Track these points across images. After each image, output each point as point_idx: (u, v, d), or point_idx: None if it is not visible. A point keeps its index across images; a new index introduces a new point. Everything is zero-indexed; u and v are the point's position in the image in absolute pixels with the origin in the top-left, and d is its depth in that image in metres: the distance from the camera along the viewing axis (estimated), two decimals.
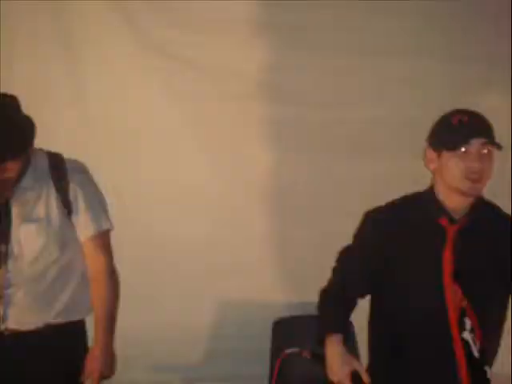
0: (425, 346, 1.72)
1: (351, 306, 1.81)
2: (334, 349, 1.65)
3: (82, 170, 1.98)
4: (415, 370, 1.75)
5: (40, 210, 1.91)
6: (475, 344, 1.70)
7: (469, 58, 3.49)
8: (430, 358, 1.71)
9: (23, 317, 1.94)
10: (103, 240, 1.98)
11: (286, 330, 2.61)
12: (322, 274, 2.09)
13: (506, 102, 4.12)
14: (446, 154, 1.73)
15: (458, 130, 1.74)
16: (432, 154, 1.79)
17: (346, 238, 2.09)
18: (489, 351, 1.75)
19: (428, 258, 1.74)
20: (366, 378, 1.60)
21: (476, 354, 1.70)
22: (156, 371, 2.87)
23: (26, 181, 1.91)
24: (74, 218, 1.92)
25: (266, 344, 2.59)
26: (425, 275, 1.73)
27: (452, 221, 1.75)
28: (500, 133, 3.86)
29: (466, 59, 3.52)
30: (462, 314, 1.71)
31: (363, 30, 3.12)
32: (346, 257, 1.90)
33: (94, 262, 1.97)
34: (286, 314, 2.71)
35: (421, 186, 2.01)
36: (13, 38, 2.90)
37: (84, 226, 1.94)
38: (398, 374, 1.77)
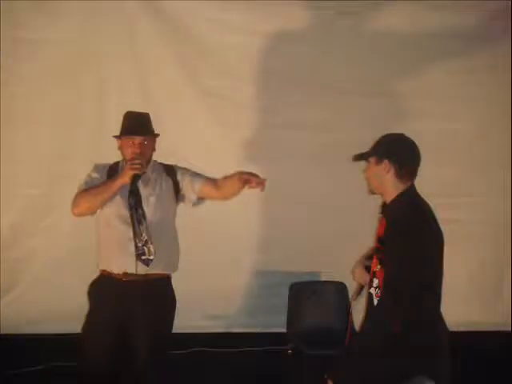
0: None
1: None
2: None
3: (179, 167, 3.02)
4: None
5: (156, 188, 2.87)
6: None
7: (472, 69, 3.68)
8: None
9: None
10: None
11: (299, 291, 3.74)
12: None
13: (506, 101, 4.14)
14: None
15: None
16: None
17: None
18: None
19: None
20: None
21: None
22: (205, 319, 4.16)
23: (148, 170, 2.89)
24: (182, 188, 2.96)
25: (284, 301, 3.73)
26: None
27: None
28: (500, 132, 3.96)
29: (471, 71, 3.72)
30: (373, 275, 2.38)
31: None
32: None
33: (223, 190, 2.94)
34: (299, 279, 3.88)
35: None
36: None
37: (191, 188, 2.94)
38: None
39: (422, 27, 4.02)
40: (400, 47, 4.05)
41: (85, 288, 2.93)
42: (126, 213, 2.81)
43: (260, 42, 4.01)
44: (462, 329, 3.82)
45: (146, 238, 2.75)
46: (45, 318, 3.94)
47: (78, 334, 2.86)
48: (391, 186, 2.36)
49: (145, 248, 2.75)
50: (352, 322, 2.73)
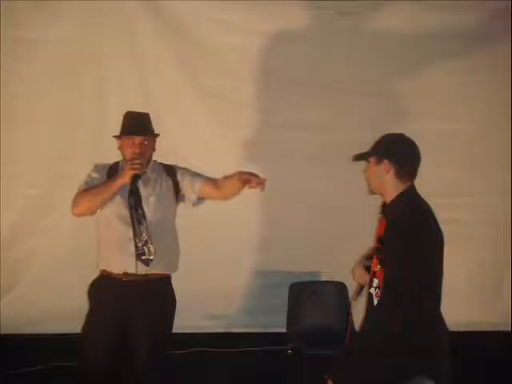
0: None
1: None
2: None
3: (179, 167, 3.02)
4: None
5: (156, 188, 2.87)
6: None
7: (472, 69, 3.74)
8: None
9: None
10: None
11: (299, 291, 3.77)
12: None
13: (506, 101, 4.15)
14: None
15: None
16: None
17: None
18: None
19: None
20: None
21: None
22: (205, 319, 4.17)
23: (148, 170, 2.87)
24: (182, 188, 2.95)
25: (284, 300, 3.76)
26: None
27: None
28: (500, 132, 3.94)
29: (471, 71, 3.78)
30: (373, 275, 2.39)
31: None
32: None
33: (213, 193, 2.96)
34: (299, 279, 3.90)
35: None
36: None
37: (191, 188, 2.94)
38: None
39: (422, 27, 4.03)
40: (400, 47, 4.06)
41: (85, 288, 2.93)
42: (126, 213, 2.81)
43: (260, 42, 4.02)
44: (462, 329, 3.82)
45: (146, 237, 2.76)
46: (45, 318, 3.94)
47: (78, 334, 2.87)
48: (391, 186, 2.37)
49: (145, 248, 2.76)
50: (352, 322, 2.73)
